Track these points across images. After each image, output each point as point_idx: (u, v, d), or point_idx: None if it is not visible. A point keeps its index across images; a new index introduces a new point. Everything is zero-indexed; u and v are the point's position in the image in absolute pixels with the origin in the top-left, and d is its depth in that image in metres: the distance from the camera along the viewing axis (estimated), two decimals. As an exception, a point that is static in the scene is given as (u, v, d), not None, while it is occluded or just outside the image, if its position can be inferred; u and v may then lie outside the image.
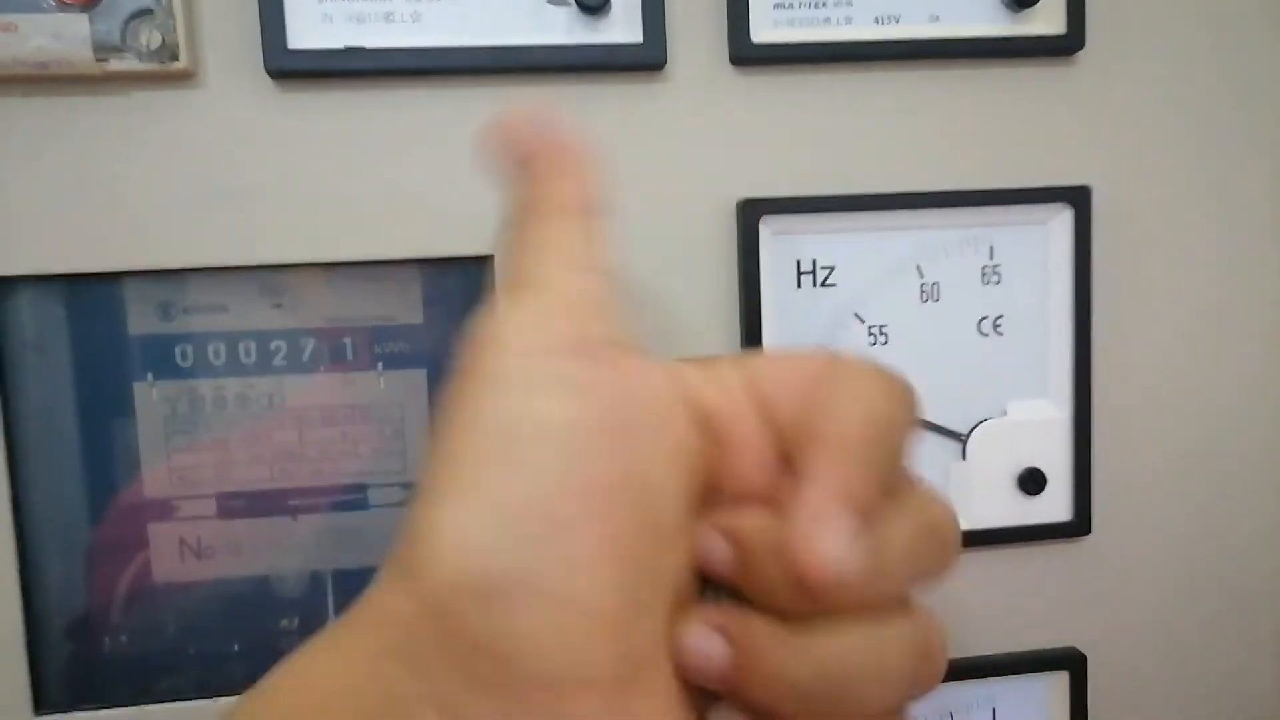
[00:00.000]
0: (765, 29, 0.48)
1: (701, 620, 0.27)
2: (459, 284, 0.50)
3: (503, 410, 0.25)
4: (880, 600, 0.27)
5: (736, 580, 0.28)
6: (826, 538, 0.25)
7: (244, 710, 0.25)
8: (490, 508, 0.24)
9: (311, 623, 0.51)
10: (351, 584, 0.51)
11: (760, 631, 0.27)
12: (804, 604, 0.27)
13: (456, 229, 0.48)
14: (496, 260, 0.48)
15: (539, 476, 0.25)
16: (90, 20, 0.42)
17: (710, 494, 0.29)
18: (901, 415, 0.29)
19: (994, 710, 0.54)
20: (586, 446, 0.25)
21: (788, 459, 0.29)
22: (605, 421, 0.26)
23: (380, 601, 0.25)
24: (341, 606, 0.51)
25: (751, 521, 0.28)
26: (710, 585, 0.29)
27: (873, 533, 0.26)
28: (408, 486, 0.51)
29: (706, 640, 0.27)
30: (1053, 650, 0.53)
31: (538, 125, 0.31)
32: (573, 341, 0.27)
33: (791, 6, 0.48)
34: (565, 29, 0.46)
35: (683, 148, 0.48)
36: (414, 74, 0.46)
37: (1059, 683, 0.53)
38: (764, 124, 0.49)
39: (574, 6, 0.46)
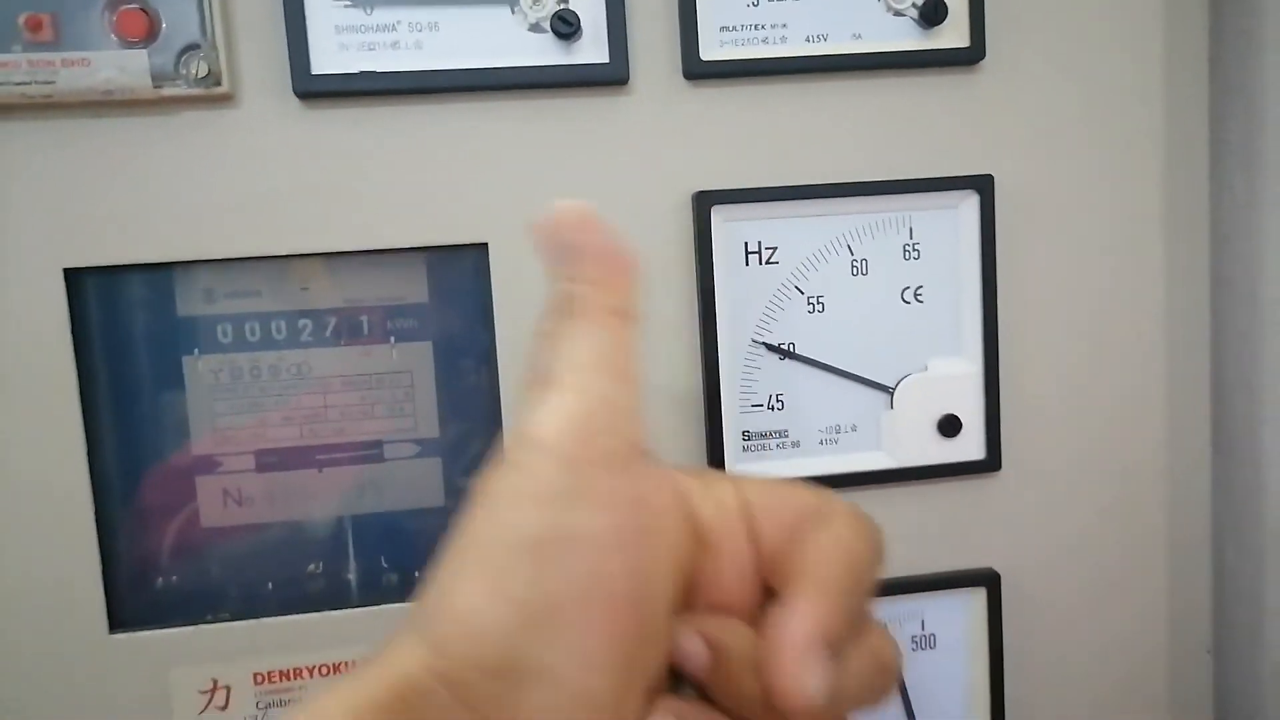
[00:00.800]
0: (713, 48, 0.55)
1: (669, 709, 0.29)
2: (458, 268, 0.57)
3: (542, 517, 0.27)
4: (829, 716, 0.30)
5: (706, 681, 0.30)
6: (807, 671, 0.28)
7: None
8: (516, 603, 0.26)
9: (334, 561, 0.59)
10: (369, 526, 0.59)
11: None
12: (769, 716, 0.29)
13: (455, 221, 0.55)
14: (493, 252, 0.55)
15: (563, 580, 0.27)
16: (149, 54, 0.50)
17: (688, 594, 0.31)
18: (874, 560, 0.31)
19: (922, 622, 0.61)
20: (610, 557, 0.27)
21: (764, 577, 0.31)
22: (628, 534, 0.28)
23: (397, 663, 0.27)
24: (360, 547, 0.59)
25: (731, 634, 0.30)
26: (677, 677, 0.31)
27: (839, 665, 0.29)
28: (418, 442, 0.58)
29: None
30: (972, 570, 0.61)
31: (588, 226, 0.30)
32: (610, 455, 0.28)
33: (735, 29, 0.55)
34: (543, 52, 0.53)
35: (645, 150, 0.55)
36: (417, 92, 0.53)
37: (978, 597, 0.61)
38: (714, 128, 0.56)
39: (550, 33, 0.53)
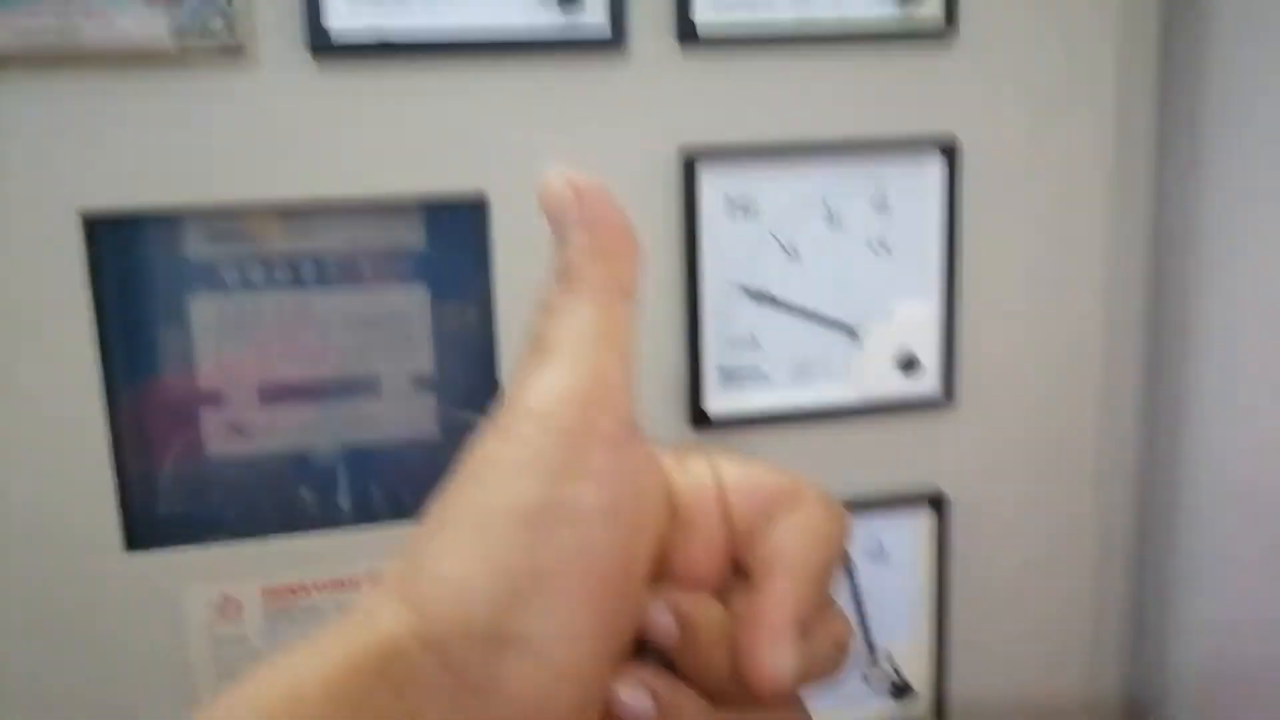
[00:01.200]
0: (705, 14, 0.58)
1: (637, 679, 0.29)
2: (455, 217, 0.60)
3: (537, 489, 0.27)
4: (790, 693, 0.30)
5: (673, 653, 0.30)
6: (779, 653, 0.28)
7: (222, 702, 0.25)
8: (507, 571, 0.26)
9: (332, 487, 0.62)
10: (364, 458, 0.62)
11: (687, 702, 0.30)
12: (735, 691, 0.29)
13: (453, 172, 0.58)
14: (492, 203, 0.58)
15: (555, 552, 0.27)
16: (169, 10, 0.51)
17: (658, 566, 0.31)
18: (841, 543, 0.32)
19: (879, 540, 0.67)
20: (602, 532, 0.28)
21: (734, 554, 0.32)
22: (621, 510, 0.28)
23: (378, 623, 0.27)
24: (354, 477, 0.62)
25: (701, 608, 0.30)
26: (642, 647, 0.30)
27: (805, 644, 0.29)
28: (414, 379, 0.62)
29: (639, 698, 0.29)
30: (923, 493, 0.67)
31: (596, 198, 0.30)
32: (605, 430, 0.28)
33: (725, -5, 0.58)
34: (546, 15, 0.56)
35: (639, 108, 0.58)
36: (425, 50, 0.55)
37: (928, 517, 0.67)
38: (703, 90, 0.59)
39: (553, -2, 0.56)
